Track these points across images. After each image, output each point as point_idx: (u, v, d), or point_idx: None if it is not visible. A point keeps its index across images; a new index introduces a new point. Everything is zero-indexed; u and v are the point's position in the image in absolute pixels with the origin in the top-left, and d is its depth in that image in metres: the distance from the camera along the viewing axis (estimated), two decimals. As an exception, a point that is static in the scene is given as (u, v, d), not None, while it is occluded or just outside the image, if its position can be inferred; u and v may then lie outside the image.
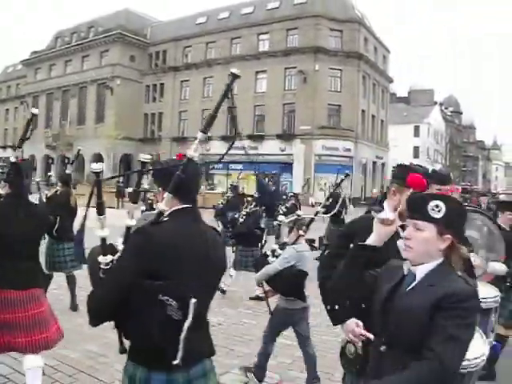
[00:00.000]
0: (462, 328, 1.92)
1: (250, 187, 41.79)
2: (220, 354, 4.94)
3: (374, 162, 44.53)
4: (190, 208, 2.33)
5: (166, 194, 2.25)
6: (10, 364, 4.78)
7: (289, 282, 4.75)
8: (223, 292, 8.23)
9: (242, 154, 42.06)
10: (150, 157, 2.66)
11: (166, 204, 2.25)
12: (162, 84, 50.02)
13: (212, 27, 46.37)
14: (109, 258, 2.26)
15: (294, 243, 5.02)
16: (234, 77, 2.41)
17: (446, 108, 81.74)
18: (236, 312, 7.49)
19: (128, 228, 2.35)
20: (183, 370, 2.20)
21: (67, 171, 7.48)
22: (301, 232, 4.98)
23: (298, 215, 5.26)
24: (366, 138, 41.76)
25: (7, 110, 69.87)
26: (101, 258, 2.25)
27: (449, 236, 2.07)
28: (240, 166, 41.82)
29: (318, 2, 40.85)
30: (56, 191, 7.43)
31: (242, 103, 42.18)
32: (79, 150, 10.38)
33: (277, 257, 5.06)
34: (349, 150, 38.75)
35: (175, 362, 2.11)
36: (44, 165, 57.74)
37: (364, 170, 41.75)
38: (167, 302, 2.10)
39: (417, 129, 68.07)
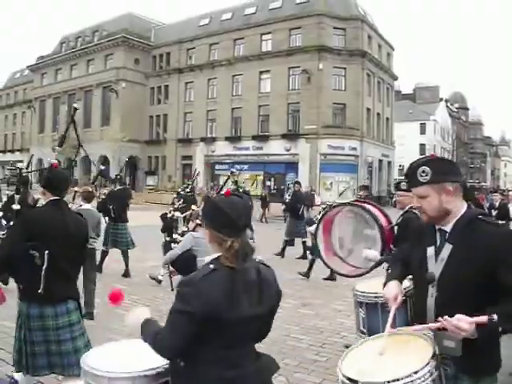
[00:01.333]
0: None
1: (255, 187, 41.82)
2: None
3: (380, 161, 44.13)
4: (57, 199, 3.59)
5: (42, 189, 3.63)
6: None
7: (182, 263, 5.79)
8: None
9: (247, 155, 42.02)
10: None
11: (42, 196, 3.69)
12: (166, 86, 49.92)
13: (215, 28, 46.16)
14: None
15: (192, 230, 6.16)
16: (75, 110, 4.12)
17: (451, 104, 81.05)
18: None
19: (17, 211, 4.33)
20: (51, 306, 3.43)
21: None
22: (197, 221, 6.12)
23: (193, 209, 7.15)
24: (371, 136, 41.33)
25: (15, 114, 70.47)
26: None
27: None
28: (245, 167, 41.86)
29: (321, 0, 40.49)
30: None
31: (247, 103, 42.25)
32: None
33: (178, 243, 6.44)
34: (354, 148, 38.40)
35: (39, 291, 3.33)
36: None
37: (370, 168, 41.33)
38: (33, 254, 3.35)
39: (423, 126, 67.51)
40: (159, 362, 2.22)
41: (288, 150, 39.41)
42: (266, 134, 41.20)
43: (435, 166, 2.34)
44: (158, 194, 38.81)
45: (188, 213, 7.48)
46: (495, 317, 2.00)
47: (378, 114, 43.53)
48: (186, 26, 49.57)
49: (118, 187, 10.69)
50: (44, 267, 3.33)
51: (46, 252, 3.33)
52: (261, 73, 42.25)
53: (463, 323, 2.02)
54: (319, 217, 5.83)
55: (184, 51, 48.54)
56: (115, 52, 51.05)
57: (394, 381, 1.98)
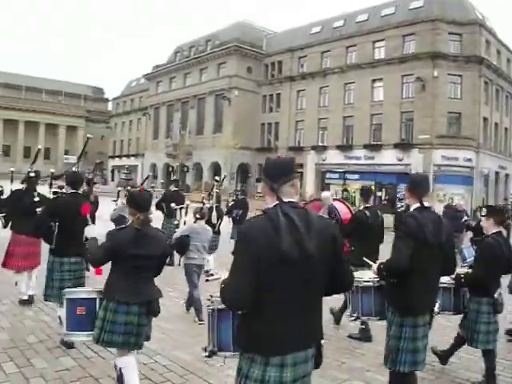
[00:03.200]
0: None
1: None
2: (331, 367, 5.59)
3: (497, 173, 44.01)
4: (75, 192, 6.06)
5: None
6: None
7: (178, 245, 8.04)
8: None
9: (358, 164, 43.45)
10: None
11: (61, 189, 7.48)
12: (278, 94, 52.83)
13: (327, 36, 48.36)
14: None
15: (194, 222, 8.21)
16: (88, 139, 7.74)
17: None
18: (354, 325, 7.16)
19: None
20: (67, 257, 5.94)
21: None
22: (197, 215, 8.25)
23: (187, 205, 10.44)
24: (488, 147, 41.39)
25: (131, 121, 77.06)
26: None
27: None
28: (356, 176, 43.50)
29: (436, 5, 41.23)
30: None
31: (359, 112, 43.85)
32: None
33: None
34: (470, 160, 38.62)
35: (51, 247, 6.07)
36: (165, 173, 62.91)
37: (486, 181, 41.40)
38: (52, 225, 5.90)
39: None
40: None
41: (400, 160, 40.44)
42: (379, 143, 42.44)
43: None
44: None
45: (184, 205, 10.78)
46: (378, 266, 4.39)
47: (496, 123, 43.40)
48: (297, 34, 52.45)
49: (174, 189, 13.26)
50: (55, 233, 5.85)
51: (57, 224, 5.85)
52: (373, 81, 43.62)
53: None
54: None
55: (296, 59, 51.20)
56: (228, 60, 54.83)
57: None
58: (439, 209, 29.80)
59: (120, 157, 79.15)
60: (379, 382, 5.10)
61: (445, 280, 5.27)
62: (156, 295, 4.48)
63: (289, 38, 52.94)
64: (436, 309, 4.52)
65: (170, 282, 9.42)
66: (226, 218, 13.20)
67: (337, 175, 46.07)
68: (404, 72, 41.50)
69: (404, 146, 40.85)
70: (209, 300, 3.71)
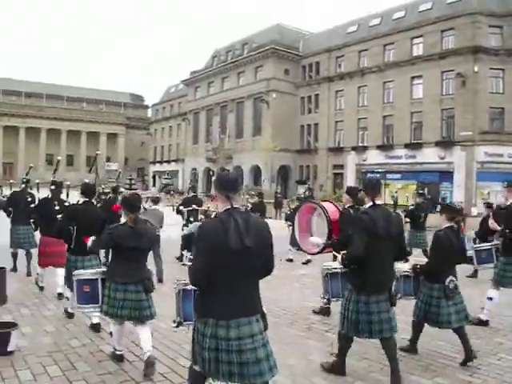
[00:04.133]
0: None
1: (408, 198, 43.19)
2: (373, 369, 5.69)
3: (543, 169, 43.20)
4: (87, 200, 7.08)
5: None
6: (168, 364, 5.69)
7: (185, 242, 9.94)
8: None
9: (399, 164, 43.62)
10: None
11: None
12: (316, 95, 53.56)
13: (363, 35, 48.81)
14: None
15: (200, 221, 9.49)
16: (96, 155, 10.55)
17: None
18: None
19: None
20: (81, 256, 7.07)
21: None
22: (203, 216, 10.32)
23: (193, 207, 12.29)
24: (533, 142, 40.91)
25: (170, 126, 79.00)
26: None
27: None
28: (398, 176, 43.65)
29: (474, -2, 40.87)
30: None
31: (398, 111, 44.08)
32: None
33: None
34: (514, 156, 38.37)
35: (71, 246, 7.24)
36: (205, 177, 64.25)
37: (531, 177, 40.60)
38: (70, 228, 6.93)
39: None
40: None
41: (442, 158, 40.55)
42: (419, 141, 42.64)
43: None
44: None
45: (190, 208, 12.37)
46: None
47: (541, 117, 42.68)
48: (333, 34, 53.17)
49: (192, 194, 14.02)
50: (73, 235, 6.91)
51: (75, 227, 6.87)
52: (412, 78, 43.76)
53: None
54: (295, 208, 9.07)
55: (333, 59, 51.86)
56: (265, 63, 55.92)
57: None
58: (481, 207, 30.00)
59: (161, 162, 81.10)
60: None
61: (406, 269, 6.36)
62: (147, 275, 5.65)
63: (325, 38, 53.67)
64: (393, 291, 5.49)
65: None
66: None
67: (378, 175, 46.03)
68: (444, 68, 41.45)
69: (446, 143, 40.91)
70: (175, 283, 5.08)
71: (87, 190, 7.27)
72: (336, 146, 50.82)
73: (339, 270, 6.60)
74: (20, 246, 10.78)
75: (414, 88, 44.04)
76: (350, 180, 48.07)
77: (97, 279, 5.75)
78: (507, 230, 7.45)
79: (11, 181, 15.40)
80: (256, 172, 56.66)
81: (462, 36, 40.49)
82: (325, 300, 7.68)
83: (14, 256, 10.91)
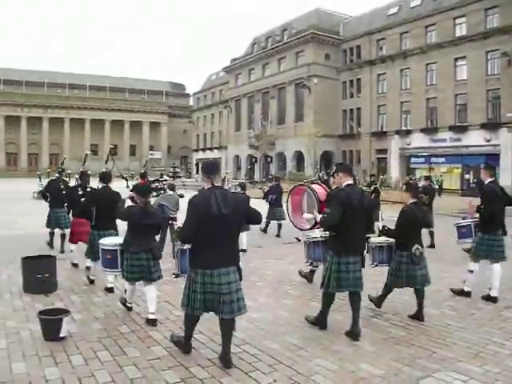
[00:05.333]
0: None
1: (453, 181, 43.34)
2: (421, 356, 5.65)
3: None
4: (106, 185, 8.78)
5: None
6: (215, 349, 5.76)
7: None
8: None
9: (444, 147, 43.73)
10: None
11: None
12: (358, 79, 53.97)
13: (404, 17, 48.82)
14: None
15: None
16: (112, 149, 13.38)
17: None
18: (439, 312, 7.48)
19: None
20: (103, 231, 8.64)
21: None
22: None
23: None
24: None
25: (212, 114, 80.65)
26: None
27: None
28: (442, 160, 43.85)
29: (519, -29, 40.16)
30: None
31: (442, 93, 44.10)
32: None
33: None
34: None
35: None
36: (248, 164, 65.46)
37: None
38: (91, 208, 8.72)
39: None
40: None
41: (488, 141, 40.40)
42: (464, 124, 42.53)
43: None
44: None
45: None
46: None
47: None
48: (374, 16, 53.45)
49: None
50: (94, 214, 8.53)
51: (95, 208, 8.49)
52: (456, 59, 43.59)
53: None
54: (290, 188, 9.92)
55: (374, 43, 52.09)
56: (305, 49, 56.50)
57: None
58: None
59: (203, 150, 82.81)
60: (473, 372, 5.21)
61: (381, 240, 7.53)
62: (155, 245, 7.11)
63: (366, 21, 53.99)
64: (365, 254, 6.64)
65: (256, 273, 10.28)
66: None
67: (422, 159, 46.76)
68: (488, 48, 41.04)
69: (491, 125, 40.73)
70: (175, 246, 6.64)
71: (104, 177, 8.91)
72: (379, 131, 51.20)
73: (320, 239, 7.77)
74: (55, 226, 12.63)
75: (457, 69, 43.83)
76: (394, 165, 48.54)
77: (116, 250, 7.18)
78: (482, 208, 8.34)
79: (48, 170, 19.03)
80: (299, 158, 57.43)
81: (507, 14, 39.82)
82: (308, 265, 8.75)
83: (51, 234, 12.77)
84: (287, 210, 9.38)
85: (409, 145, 47.44)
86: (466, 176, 42.38)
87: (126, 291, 7.33)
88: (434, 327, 6.72)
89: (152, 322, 6.67)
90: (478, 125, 41.26)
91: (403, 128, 48.28)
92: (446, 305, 7.89)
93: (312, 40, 55.02)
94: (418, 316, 7.03)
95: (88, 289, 8.79)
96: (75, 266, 10.44)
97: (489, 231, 8.22)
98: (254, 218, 5.52)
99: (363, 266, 6.44)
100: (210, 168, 5.46)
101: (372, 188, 16.93)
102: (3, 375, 4.93)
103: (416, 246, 6.99)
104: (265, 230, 16.95)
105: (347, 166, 6.92)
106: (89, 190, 10.14)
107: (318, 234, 7.96)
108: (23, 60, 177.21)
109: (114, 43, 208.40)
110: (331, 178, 8.70)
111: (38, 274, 8.25)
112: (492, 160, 39.93)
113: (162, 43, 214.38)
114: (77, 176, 11.07)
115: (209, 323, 6.30)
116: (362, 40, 53.31)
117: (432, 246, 14.07)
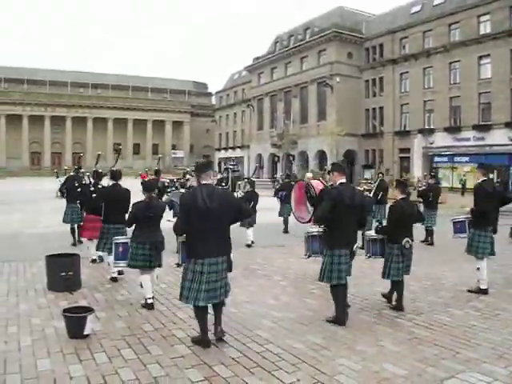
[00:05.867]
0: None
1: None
2: (445, 356, 5.71)
3: None
4: (115, 183, 9.68)
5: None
6: (238, 348, 5.95)
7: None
8: None
9: (467, 146, 43.62)
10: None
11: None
12: (381, 78, 53.99)
13: (427, 15, 48.70)
14: None
15: None
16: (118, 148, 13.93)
17: None
18: (463, 313, 7.59)
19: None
20: (112, 224, 9.65)
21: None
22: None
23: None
24: None
25: (235, 113, 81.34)
26: None
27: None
28: (466, 159, 43.76)
29: (546, -32, 39.94)
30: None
31: (466, 92, 43.99)
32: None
33: None
34: None
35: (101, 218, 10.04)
36: (270, 163, 65.85)
37: None
38: (102, 205, 9.78)
39: None
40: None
41: (512, 140, 40.24)
42: (488, 123, 42.37)
43: None
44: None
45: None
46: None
47: None
48: (397, 15, 53.48)
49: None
50: (103, 210, 9.46)
51: (106, 203, 9.44)
52: (480, 58, 43.38)
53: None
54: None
55: (397, 41, 52.09)
56: (327, 47, 56.70)
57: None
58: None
59: (226, 149, 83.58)
60: (497, 373, 5.22)
61: (375, 234, 8.21)
62: (159, 238, 7.81)
63: (388, 19, 54.04)
64: (355, 248, 7.18)
65: (279, 272, 10.60)
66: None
67: (445, 158, 46.70)
68: (513, 46, 40.82)
69: (516, 124, 40.54)
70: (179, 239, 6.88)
71: (114, 175, 9.72)
72: (402, 130, 51.18)
73: (317, 233, 8.35)
74: (70, 221, 13.63)
75: (481, 68, 43.59)
76: (417, 164, 48.54)
77: (127, 243, 8.05)
78: (473, 206, 8.92)
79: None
80: (321, 157, 57.64)
81: (532, 11, 39.61)
82: (307, 257, 9.22)
83: (72, 232, 13.78)
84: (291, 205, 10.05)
85: (432, 144, 47.36)
86: (490, 175, 41.89)
87: (141, 285, 7.87)
88: (458, 327, 6.81)
89: (149, 306, 7.59)
90: (502, 124, 41.05)
91: (426, 127, 48.19)
92: (470, 305, 8.03)
93: (334, 38, 55.17)
94: (397, 307, 7.68)
95: (112, 287, 9.07)
96: (94, 261, 11.17)
97: (479, 227, 8.83)
98: (243, 212, 6.39)
99: (352, 258, 7.13)
100: (201, 168, 6.12)
101: (375, 185, 16.89)
102: (29, 372, 5.09)
103: (406, 238, 7.62)
104: (285, 230, 17.42)
105: (341, 166, 7.54)
106: (100, 187, 11.04)
107: (315, 229, 8.60)
108: (23, 60, 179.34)
109: (114, 43, 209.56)
110: (327, 175, 9.78)
111: (62, 271, 8.50)
112: (516, 159, 40.17)
113: (162, 43, 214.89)
114: (88, 174, 12.53)
115: (232, 322, 6.66)
116: (385, 38, 53.32)
117: (429, 242, 14.88)
